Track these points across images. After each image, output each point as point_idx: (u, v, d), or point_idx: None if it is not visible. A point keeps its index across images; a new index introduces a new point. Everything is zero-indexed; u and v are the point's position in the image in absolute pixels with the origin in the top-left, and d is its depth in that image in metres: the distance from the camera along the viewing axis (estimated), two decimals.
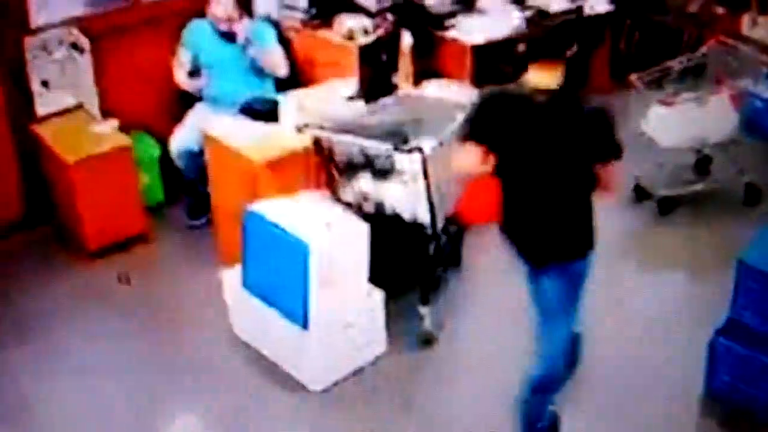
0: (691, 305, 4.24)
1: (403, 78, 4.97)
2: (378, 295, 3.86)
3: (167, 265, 4.68)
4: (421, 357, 3.95)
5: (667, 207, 4.94)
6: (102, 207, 4.58)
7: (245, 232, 3.83)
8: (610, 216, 4.83)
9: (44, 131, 4.70)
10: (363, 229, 3.78)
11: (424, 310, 3.95)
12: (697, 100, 4.82)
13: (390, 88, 4.54)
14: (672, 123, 4.82)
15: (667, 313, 4.20)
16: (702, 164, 5.20)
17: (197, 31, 4.79)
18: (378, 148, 3.73)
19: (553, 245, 3.12)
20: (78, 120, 4.78)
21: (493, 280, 4.43)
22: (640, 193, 5.05)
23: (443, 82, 5.00)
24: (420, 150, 3.65)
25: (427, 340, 3.97)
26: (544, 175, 3.01)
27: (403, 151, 3.67)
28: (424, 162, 3.67)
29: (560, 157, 2.98)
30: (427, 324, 3.96)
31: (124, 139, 4.66)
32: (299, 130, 3.90)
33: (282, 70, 4.80)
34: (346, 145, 3.83)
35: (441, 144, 3.77)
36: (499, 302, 4.28)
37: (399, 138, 3.69)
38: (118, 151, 4.60)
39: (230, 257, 4.17)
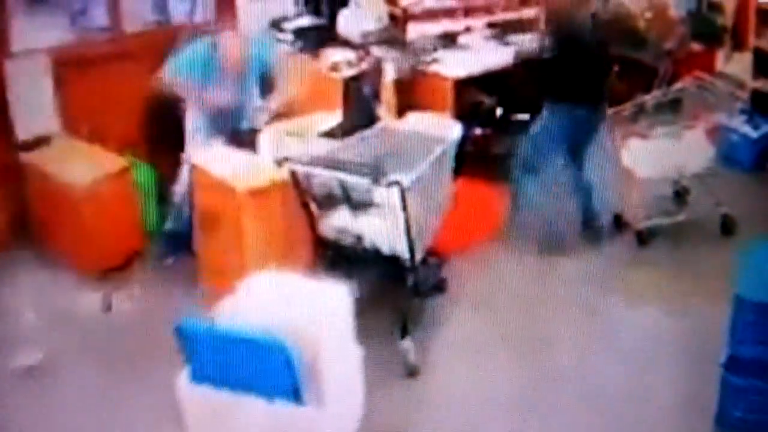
0: (669, 336, 4.27)
1: (385, 110, 5.10)
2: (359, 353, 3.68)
3: (150, 293, 4.65)
4: (404, 387, 3.94)
5: (646, 237, 5.03)
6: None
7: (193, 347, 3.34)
8: (590, 246, 5.01)
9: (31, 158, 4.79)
10: (345, 298, 3.53)
11: (405, 344, 3.96)
12: (671, 133, 4.95)
13: (373, 119, 4.66)
14: (648, 155, 4.94)
15: (646, 344, 4.23)
16: (680, 196, 5.29)
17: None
18: (357, 182, 3.79)
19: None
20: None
21: (475, 308, 4.48)
22: (620, 224, 5.15)
23: (425, 114, 5.09)
24: (398, 184, 3.70)
25: (411, 372, 3.97)
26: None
27: (381, 184, 3.72)
28: (403, 195, 3.72)
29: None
30: (410, 356, 3.97)
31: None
32: (279, 164, 3.94)
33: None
34: (325, 178, 3.89)
35: (419, 177, 3.84)
36: (481, 330, 4.32)
37: (378, 172, 3.73)
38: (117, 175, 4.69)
39: (211, 281, 4.24)
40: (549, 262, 4.87)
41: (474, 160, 5.17)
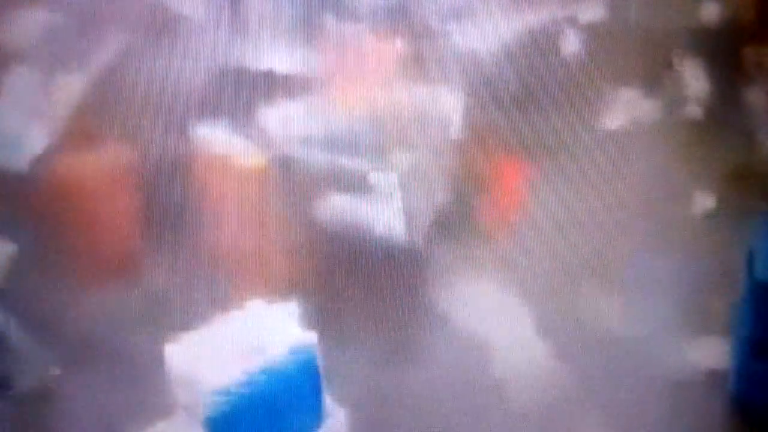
0: None
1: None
2: None
3: None
4: None
5: None
6: None
7: None
8: None
9: None
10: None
11: None
12: None
13: None
14: None
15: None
16: None
17: None
18: (351, 165, 3.66)
19: None
20: None
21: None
22: None
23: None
24: (395, 167, 3.59)
25: None
26: None
27: (378, 168, 3.61)
28: (400, 179, 3.61)
29: None
30: None
31: None
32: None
33: None
34: (318, 160, 3.75)
35: (421, 159, 3.72)
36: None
37: (375, 153, 3.63)
38: None
39: None
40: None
41: None
